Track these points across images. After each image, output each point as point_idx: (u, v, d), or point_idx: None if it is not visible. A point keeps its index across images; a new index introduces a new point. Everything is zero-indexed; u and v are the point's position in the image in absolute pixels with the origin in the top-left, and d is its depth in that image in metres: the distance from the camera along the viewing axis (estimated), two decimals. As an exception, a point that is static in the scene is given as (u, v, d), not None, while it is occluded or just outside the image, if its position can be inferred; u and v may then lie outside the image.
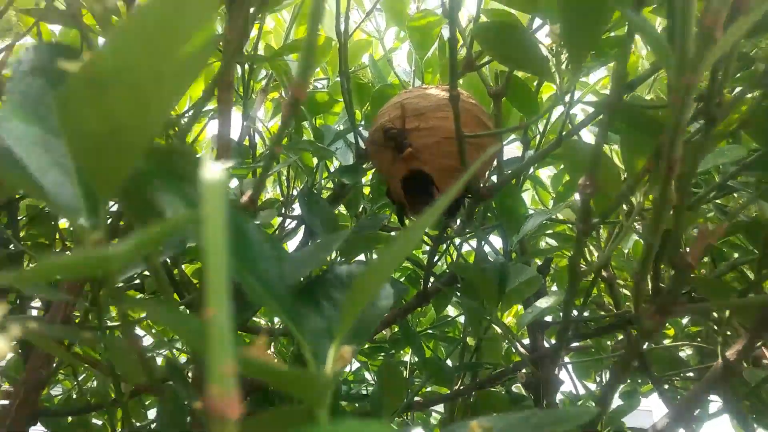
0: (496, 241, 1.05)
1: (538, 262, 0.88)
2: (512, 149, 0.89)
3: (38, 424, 0.56)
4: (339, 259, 0.52)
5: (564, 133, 0.50)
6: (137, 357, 0.27)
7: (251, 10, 0.42)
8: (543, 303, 0.58)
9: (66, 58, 0.28)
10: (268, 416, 0.21)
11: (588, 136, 0.97)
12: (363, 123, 0.91)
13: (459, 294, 0.66)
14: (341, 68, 0.68)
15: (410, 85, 0.87)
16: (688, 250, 0.42)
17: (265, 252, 0.24)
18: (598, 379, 1.16)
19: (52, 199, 0.21)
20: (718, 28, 0.23)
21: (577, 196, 0.41)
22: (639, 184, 0.41)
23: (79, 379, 0.70)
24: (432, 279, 0.73)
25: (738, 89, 0.43)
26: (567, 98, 0.49)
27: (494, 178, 0.68)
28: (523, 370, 0.67)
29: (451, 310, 1.02)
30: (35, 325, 0.26)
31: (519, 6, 0.50)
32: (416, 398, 0.70)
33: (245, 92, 0.85)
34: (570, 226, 0.95)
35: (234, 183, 0.67)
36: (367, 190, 0.83)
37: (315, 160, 0.78)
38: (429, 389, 0.99)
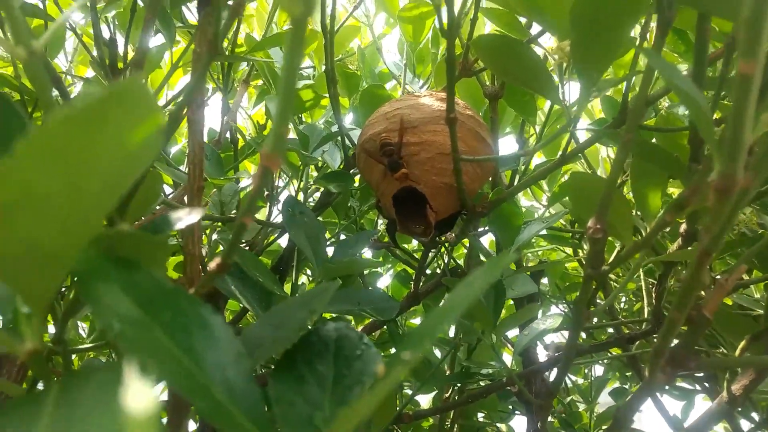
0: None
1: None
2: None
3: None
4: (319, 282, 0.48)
5: (567, 152, 0.47)
6: None
7: (222, 19, 0.37)
8: (540, 325, 0.55)
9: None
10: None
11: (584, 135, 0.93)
12: (351, 117, 0.87)
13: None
14: (327, 65, 0.63)
15: (402, 78, 0.82)
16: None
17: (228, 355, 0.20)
18: (587, 372, 1.17)
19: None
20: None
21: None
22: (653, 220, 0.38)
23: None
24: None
25: None
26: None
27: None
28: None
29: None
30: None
31: (521, 10, 0.45)
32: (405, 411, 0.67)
33: (225, 83, 0.80)
34: (563, 222, 0.92)
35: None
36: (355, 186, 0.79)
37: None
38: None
